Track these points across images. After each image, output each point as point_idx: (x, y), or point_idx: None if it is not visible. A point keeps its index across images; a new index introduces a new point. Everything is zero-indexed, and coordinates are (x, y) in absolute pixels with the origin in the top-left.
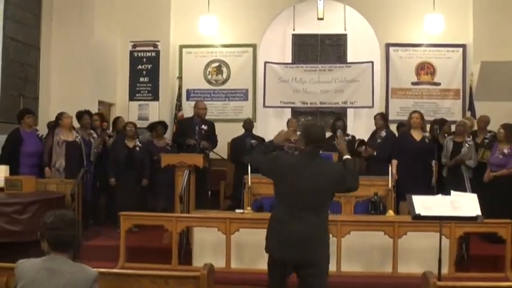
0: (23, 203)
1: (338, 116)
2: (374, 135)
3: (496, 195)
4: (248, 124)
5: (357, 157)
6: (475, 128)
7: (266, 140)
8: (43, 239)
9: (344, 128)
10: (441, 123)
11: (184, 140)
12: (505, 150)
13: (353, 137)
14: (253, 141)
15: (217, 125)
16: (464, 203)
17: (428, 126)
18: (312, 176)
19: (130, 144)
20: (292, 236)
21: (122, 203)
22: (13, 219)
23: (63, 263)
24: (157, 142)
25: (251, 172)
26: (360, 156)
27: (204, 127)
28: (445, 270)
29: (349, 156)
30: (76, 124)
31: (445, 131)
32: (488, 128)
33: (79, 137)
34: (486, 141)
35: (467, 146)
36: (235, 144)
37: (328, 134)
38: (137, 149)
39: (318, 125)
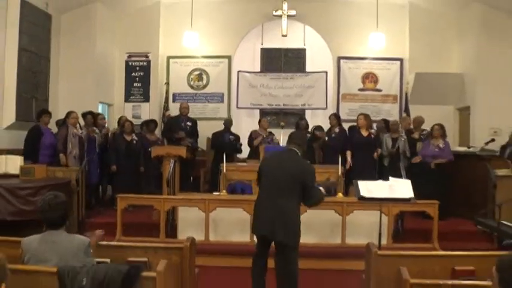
0: (35, 187)
1: (301, 116)
2: (329, 131)
3: (428, 181)
4: (228, 123)
5: (315, 140)
6: (411, 126)
7: (240, 136)
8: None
9: (306, 126)
10: (386, 123)
11: (172, 134)
12: (440, 145)
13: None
14: (231, 137)
15: (198, 123)
16: (400, 187)
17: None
18: (287, 166)
19: (128, 138)
20: (268, 215)
21: (121, 186)
22: (27, 201)
23: (60, 235)
24: (149, 137)
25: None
26: (317, 139)
27: (189, 123)
28: (384, 241)
29: (323, 189)
30: (81, 122)
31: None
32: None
33: (83, 133)
34: (422, 136)
35: (403, 140)
36: (215, 138)
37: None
38: (134, 142)
39: (300, 131)
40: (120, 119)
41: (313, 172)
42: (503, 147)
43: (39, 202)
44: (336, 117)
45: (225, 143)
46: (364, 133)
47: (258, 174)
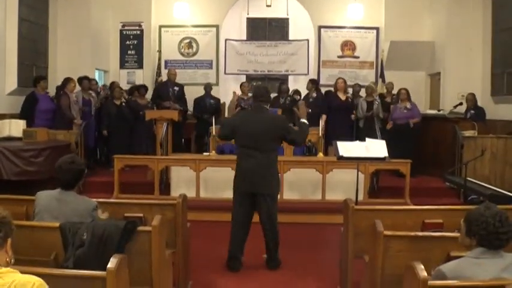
0: (37, 149)
1: (283, 81)
2: (307, 95)
3: (400, 141)
4: (208, 88)
5: (293, 103)
6: (384, 91)
7: (221, 100)
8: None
9: (287, 90)
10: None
11: (161, 102)
12: (408, 106)
13: (292, 97)
14: (211, 101)
15: (188, 88)
16: (375, 147)
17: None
18: (259, 123)
19: (117, 102)
20: (248, 170)
21: (115, 149)
22: (30, 162)
23: (70, 195)
24: (140, 101)
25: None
26: (295, 102)
27: (176, 88)
28: (361, 197)
29: (305, 121)
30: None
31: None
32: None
33: (79, 97)
34: (394, 100)
35: (377, 103)
36: (197, 103)
37: (274, 95)
38: (123, 104)
39: (263, 86)
40: (111, 84)
41: (285, 120)
42: (466, 111)
43: (58, 162)
44: (312, 83)
45: (206, 107)
46: (342, 97)
47: (231, 129)
